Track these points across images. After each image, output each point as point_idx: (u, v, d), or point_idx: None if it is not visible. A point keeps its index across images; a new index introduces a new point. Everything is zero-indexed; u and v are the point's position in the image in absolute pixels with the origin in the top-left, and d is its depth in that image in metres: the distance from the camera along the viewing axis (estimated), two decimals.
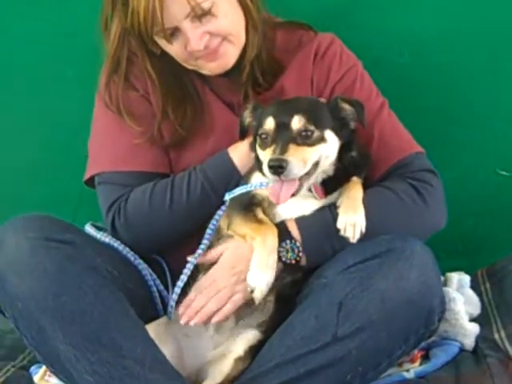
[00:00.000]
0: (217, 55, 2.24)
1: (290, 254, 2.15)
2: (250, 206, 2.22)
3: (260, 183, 2.21)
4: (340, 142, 2.16)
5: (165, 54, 2.29)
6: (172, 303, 2.23)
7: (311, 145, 2.09)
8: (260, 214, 2.21)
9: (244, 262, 2.15)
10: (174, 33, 2.18)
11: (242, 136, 2.28)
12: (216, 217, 2.29)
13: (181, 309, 2.20)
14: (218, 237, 2.28)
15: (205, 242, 2.27)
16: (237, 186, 2.28)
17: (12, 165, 2.98)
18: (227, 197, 2.27)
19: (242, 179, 2.29)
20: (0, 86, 2.93)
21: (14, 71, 2.90)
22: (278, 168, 2.01)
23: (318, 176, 2.16)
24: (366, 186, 2.22)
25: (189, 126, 2.36)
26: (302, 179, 2.08)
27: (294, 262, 2.15)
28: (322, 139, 2.11)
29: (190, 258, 2.25)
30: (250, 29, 2.28)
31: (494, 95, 2.77)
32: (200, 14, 2.14)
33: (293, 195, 2.07)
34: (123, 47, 2.32)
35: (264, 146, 2.12)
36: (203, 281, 2.21)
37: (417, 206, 2.22)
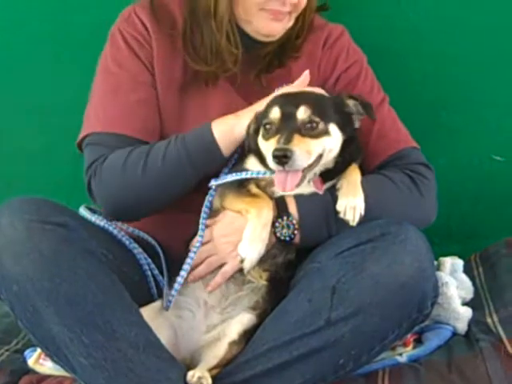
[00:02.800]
0: (282, 17, 2.28)
1: (285, 231, 2.16)
2: (242, 181, 2.23)
3: (258, 172, 2.21)
4: (343, 137, 2.17)
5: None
6: (171, 297, 2.19)
7: (315, 137, 2.10)
8: (254, 189, 2.22)
9: (239, 234, 2.16)
10: None
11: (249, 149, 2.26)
12: (207, 203, 2.28)
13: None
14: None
15: (200, 233, 2.24)
16: (216, 160, 2.25)
17: (7, 149, 2.98)
18: (213, 182, 2.26)
19: (229, 160, 2.29)
20: None
21: (10, 63, 2.91)
22: (283, 158, 2.01)
23: (317, 169, 2.17)
24: (362, 173, 2.23)
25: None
26: (304, 171, 2.08)
27: (288, 239, 2.16)
28: (326, 132, 2.12)
29: (191, 251, 2.22)
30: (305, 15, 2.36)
31: (488, 81, 2.78)
32: None
33: (296, 186, 2.07)
34: None
35: (267, 136, 2.13)
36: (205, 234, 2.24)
37: (413, 195, 2.25)
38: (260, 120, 2.19)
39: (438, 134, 2.74)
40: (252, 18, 2.29)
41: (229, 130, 2.24)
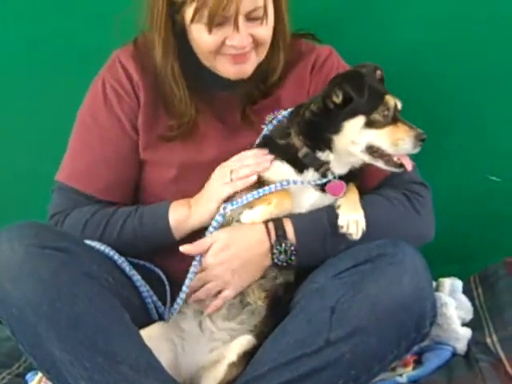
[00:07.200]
0: (244, 59, 2.25)
1: (282, 256, 2.16)
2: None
3: (274, 185, 2.18)
4: None
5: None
6: (178, 304, 2.22)
7: None
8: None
9: (235, 260, 2.18)
10: (222, 23, 2.18)
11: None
12: (214, 223, 2.23)
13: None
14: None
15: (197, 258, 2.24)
16: (170, 243, 2.29)
17: (9, 172, 3.00)
18: (229, 208, 2.20)
19: None
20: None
21: (14, 77, 2.92)
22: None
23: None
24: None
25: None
26: None
27: (285, 264, 2.17)
28: None
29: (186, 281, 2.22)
30: (275, 46, 2.32)
31: (483, 102, 2.79)
32: (257, 17, 2.19)
33: None
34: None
35: (381, 124, 2.14)
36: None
37: (408, 213, 2.26)
38: (365, 106, 2.15)
39: (435, 155, 2.72)
40: (212, 63, 2.29)
41: (184, 220, 2.28)
